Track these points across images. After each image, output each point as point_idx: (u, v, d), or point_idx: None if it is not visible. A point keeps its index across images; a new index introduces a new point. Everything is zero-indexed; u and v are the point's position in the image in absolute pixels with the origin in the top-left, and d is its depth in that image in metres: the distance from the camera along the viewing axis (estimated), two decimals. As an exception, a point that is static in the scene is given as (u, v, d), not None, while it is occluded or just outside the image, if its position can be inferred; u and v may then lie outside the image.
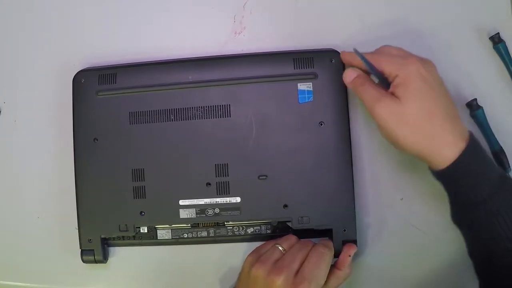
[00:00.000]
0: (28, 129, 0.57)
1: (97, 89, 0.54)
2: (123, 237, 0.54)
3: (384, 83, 0.48)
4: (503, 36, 0.52)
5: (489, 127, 0.53)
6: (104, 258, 0.54)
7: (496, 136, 0.53)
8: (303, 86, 0.52)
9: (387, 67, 0.47)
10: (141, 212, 0.53)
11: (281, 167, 0.52)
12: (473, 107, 0.53)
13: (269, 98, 0.52)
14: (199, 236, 0.54)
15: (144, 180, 0.53)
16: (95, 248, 0.53)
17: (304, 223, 0.52)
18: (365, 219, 0.54)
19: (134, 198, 0.53)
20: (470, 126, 0.53)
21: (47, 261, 0.56)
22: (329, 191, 0.51)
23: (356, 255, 0.52)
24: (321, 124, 0.52)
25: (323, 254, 0.48)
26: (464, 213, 0.46)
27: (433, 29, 0.54)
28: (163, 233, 0.54)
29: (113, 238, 0.54)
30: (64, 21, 0.58)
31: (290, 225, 0.52)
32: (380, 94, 0.46)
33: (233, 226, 0.54)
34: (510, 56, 0.52)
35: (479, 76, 0.54)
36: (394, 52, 0.48)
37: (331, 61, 0.52)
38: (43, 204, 0.57)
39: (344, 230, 0.51)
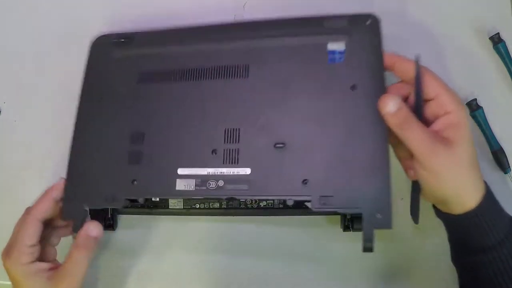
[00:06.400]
0: (28, 129, 0.57)
1: (113, 52, 0.51)
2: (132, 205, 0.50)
3: (418, 105, 0.43)
4: (503, 36, 0.53)
5: (489, 127, 0.53)
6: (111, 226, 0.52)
7: (496, 136, 0.53)
8: (334, 46, 0.46)
9: (446, 96, 0.43)
10: (133, 181, 0.46)
11: (303, 135, 0.44)
12: (473, 107, 0.53)
13: (294, 58, 0.46)
14: (211, 207, 0.50)
15: (142, 144, 0.47)
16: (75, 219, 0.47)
17: (326, 205, 0.42)
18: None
19: (128, 163, 0.46)
20: (470, 126, 0.53)
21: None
22: (359, 167, 0.42)
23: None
24: (353, 88, 0.44)
25: None
26: (468, 257, 0.45)
27: (433, 29, 0.55)
28: (175, 202, 0.51)
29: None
30: (64, 22, 0.58)
31: (309, 206, 0.43)
32: (432, 140, 0.41)
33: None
34: (510, 56, 0.53)
35: (479, 76, 0.54)
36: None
37: (366, 23, 0.46)
38: (43, 204, 0.56)
39: (377, 215, 0.42)
